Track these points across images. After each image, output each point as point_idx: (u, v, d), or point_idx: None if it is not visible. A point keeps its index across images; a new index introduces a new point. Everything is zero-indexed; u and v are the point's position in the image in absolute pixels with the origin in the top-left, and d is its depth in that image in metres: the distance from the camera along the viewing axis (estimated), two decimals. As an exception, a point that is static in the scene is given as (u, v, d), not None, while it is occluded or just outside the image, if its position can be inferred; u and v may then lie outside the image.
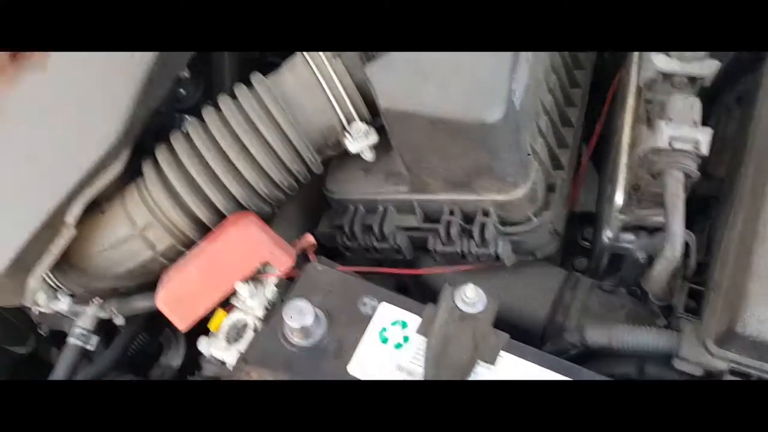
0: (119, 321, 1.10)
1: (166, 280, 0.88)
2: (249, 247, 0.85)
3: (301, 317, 0.80)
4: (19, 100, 0.90)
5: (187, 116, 1.15)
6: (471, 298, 0.79)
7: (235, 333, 0.84)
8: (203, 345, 0.84)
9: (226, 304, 0.87)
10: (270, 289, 0.84)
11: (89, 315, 1.08)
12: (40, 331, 1.25)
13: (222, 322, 0.83)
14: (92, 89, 0.89)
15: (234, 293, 0.85)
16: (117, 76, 0.88)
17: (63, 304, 1.01)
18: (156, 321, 1.26)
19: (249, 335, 0.83)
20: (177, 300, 0.85)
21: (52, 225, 0.86)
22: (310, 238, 0.89)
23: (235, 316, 0.84)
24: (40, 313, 1.22)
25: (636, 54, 0.98)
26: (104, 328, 1.15)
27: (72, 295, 1.01)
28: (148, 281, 0.99)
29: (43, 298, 0.98)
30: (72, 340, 1.10)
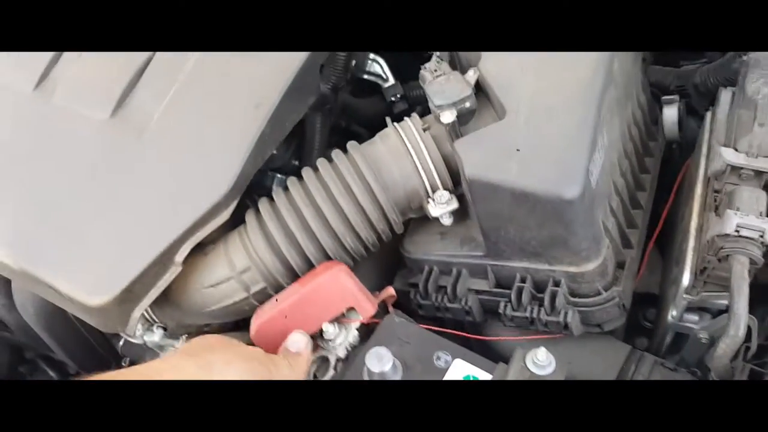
0: (201, 357, 1.18)
1: (259, 315, 0.96)
2: (337, 292, 0.92)
3: (381, 363, 0.86)
4: (146, 146, 1.02)
5: (277, 174, 1.26)
6: (542, 360, 0.84)
7: (315, 370, 0.90)
8: None
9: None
10: (353, 333, 0.91)
11: (174, 349, 1.16)
12: (122, 363, 1.34)
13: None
14: (211, 143, 1.01)
15: (319, 333, 0.92)
16: (234, 133, 1.00)
17: (156, 336, 1.10)
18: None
19: (330, 373, 0.89)
20: (271, 339, 0.92)
21: (162, 262, 0.96)
22: (391, 291, 0.97)
23: (317, 355, 0.91)
24: (126, 344, 1.32)
25: (705, 146, 1.04)
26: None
27: (164, 329, 1.10)
28: (234, 320, 1.07)
29: (140, 329, 1.07)
30: (155, 373, 1.18)
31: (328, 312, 0.92)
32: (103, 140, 1.05)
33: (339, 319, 0.93)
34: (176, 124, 1.03)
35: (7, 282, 1.21)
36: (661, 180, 1.21)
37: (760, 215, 0.85)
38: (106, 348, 1.31)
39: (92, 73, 1.11)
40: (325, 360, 0.93)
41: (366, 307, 0.92)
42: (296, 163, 1.31)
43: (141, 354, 1.30)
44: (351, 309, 0.94)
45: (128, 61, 1.09)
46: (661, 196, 1.18)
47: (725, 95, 1.02)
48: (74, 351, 1.27)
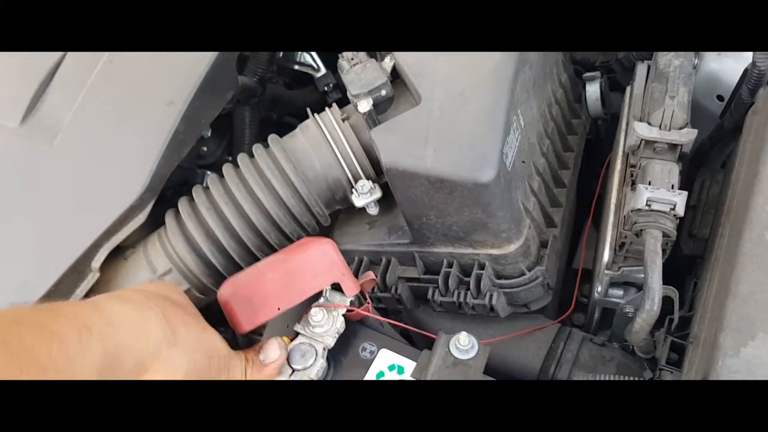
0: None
1: (234, 281, 0.89)
2: (326, 265, 0.88)
3: (304, 359, 0.86)
4: (58, 151, 0.99)
5: (208, 172, 1.24)
6: (464, 345, 0.84)
7: (302, 360, 0.86)
8: None
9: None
10: (340, 320, 0.87)
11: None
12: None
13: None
14: (123, 145, 0.98)
15: (305, 320, 0.88)
16: (146, 133, 0.97)
17: (84, 344, 1.07)
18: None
19: (320, 362, 0.85)
20: (248, 301, 0.87)
21: (78, 269, 0.93)
22: (371, 275, 0.94)
23: (300, 344, 0.87)
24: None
25: (623, 121, 1.05)
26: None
27: (93, 336, 1.08)
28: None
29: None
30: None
31: (313, 284, 0.88)
32: (14, 148, 1.02)
33: (325, 305, 0.89)
34: (87, 128, 1.01)
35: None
36: (592, 156, 1.22)
37: (672, 188, 0.86)
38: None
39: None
40: (310, 347, 0.88)
41: (350, 285, 0.88)
42: (228, 159, 1.29)
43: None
44: (333, 287, 0.89)
45: (36, 67, 1.06)
46: (593, 171, 1.19)
47: (641, 69, 1.03)
48: None
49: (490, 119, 0.88)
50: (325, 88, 1.49)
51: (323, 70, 1.49)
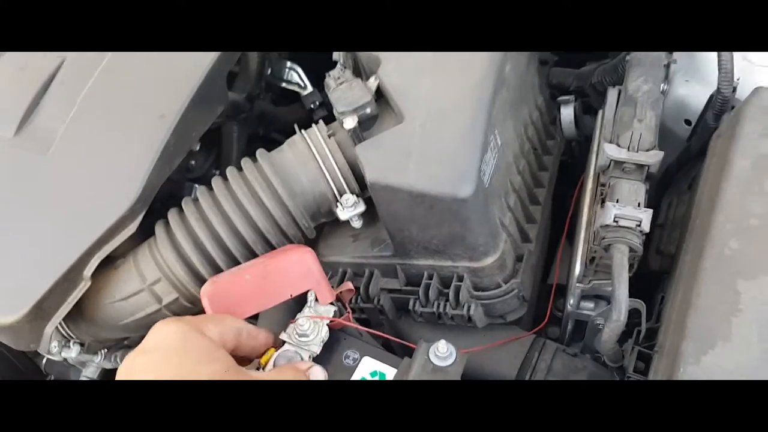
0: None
1: (215, 279, 0.93)
2: (302, 272, 0.92)
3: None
4: (51, 162, 1.02)
5: (196, 185, 1.27)
6: (443, 352, 0.88)
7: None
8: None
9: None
10: (324, 330, 0.90)
11: (95, 364, 1.16)
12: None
13: (272, 356, 0.88)
14: (115, 157, 1.02)
15: (292, 330, 0.91)
16: (138, 145, 1.01)
17: (73, 352, 1.10)
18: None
19: None
20: (223, 298, 0.90)
21: (70, 277, 0.96)
22: (350, 285, 0.98)
23: (286, 351, 0.89)
24: (48, 362, 1.31)
25: (595, 143, 1.11)
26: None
27: (81, 345, 1.11)
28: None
29: (56, 346, 1.06)
30: (76, 388, 1.18)
31: (288, 289, 0.92)
32: (7, 158, 1.05)
33: (311, 316, 0.92)
34: (80, 139, 1.04)
35: None
36: (566, 176, 1.27)
37: (638, 206, 0.91)
38: (28, 367, 1.29)
39: (-5, 90, 1.11)
40: (296, 355, 0.90)
41: (325, 293, 0.93)
42: (216, 172, 1.32)
43: (64, 371, 1.30)
44: (310, 292, 0.94)
45: (31, 79, 1.09)
46: (567, 191, 1.25)
47: (612, 94, 1.09)
48: (-5, 372, 1.25)
49: (469, 137, 0.93)
50: (311, 106, 1.53)
51: (310, 88, 1.53)
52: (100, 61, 1.09)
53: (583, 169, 1.24)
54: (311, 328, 0.91)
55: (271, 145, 1.53)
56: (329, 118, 1.48)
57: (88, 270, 0.97)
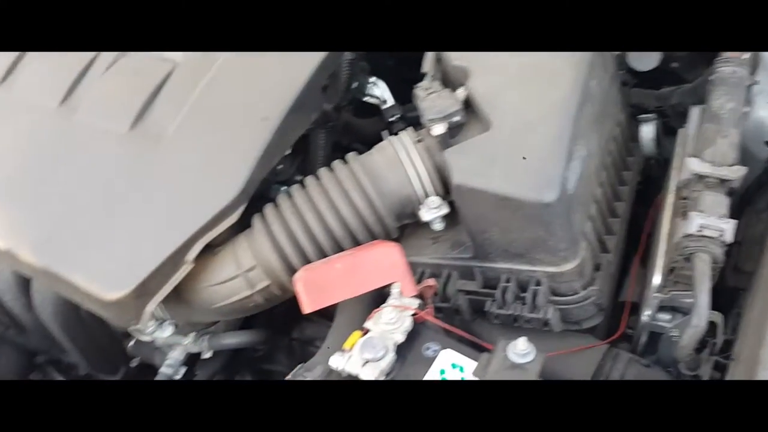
0: (208, 354, 1.26)
1: (308, 267, 1.02)
2: (389, 265, 1.00)
3: (374, 350, 0.94)
4: (163, 156, 1.11)
5: (283, 187, 1.35)
6: (522, 349, 0.92)
7: (373, 351, 0.93)
8: (336, 360, 0.93)
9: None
10: (409, 320, 0.95)
11: (183, 347, 1.24)
12: (131, 363, 1.42)
13: (357, 341, 0.93)
14: (221, 153, 1.10)
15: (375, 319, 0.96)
16: (242, 144, 1.09)
17: (166, 332, 1.17)
18: (230, 368, 1.41)
19: (390, 356, 0.92)
20: (316, 284, 0.99)
21: (175, 260, 1.04)
22: (431, 282, 1.04)
23: (371, 337, 0.94)
24: (135, 345, 1.40)
25: (676, 159, 1.13)
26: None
27: (175, 326, 1.18)
28: (239, 317, 1.15)
29: (151, 325, 1.14)
30: (163, 370, 1.26)
31: (376, 280, 0.99)
32: (123, 151, 1.15)
33: (395, 305, 0.97)
34: (190, 136, 1.13)
35: (27, 282, 1.29)
36: (642, 193, 1.29)
37: (721, 216, 0.93)
38: (116, 348, 1.38)
39: (113, 91, 1.21)
40: (381, 341, 0.94)
41: (409, 286, 0.99)
42: (299, 177, 1.40)
43: (150, 354, 1.38)
44: (393, 286, 0.99)
45: (146, 80, 1.19)
46: (643, 210, 1.27)
47: (695, 112, 1.11)
48: (86, 351, 1.34)
49: (555, 146, 0.98)
50: (391, 119, 1.60)
51: (391, 102, 1.60)
52: (208, 68, 1.18)
53: (658, 191, 1.26)
54: (396, 318, 0.96)
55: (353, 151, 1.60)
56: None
57: (191, 254, 1.04)
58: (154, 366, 1.37)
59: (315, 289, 0.98)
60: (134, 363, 1.41)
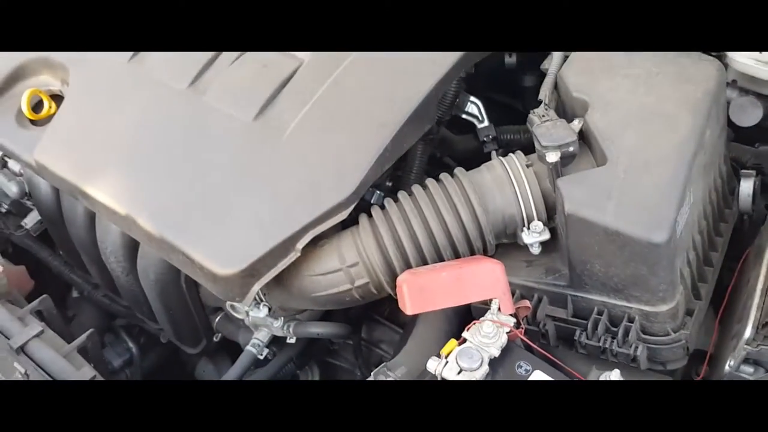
0: (292, 340, 1.31)
1: (414, 271, 1.07)
2: (491, 281, 1.04)
3: (471, 360, 0.98)
4: (284, 148, 1.17)
5: (377, 191, 1.39)
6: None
7: (469, 361, 0.97)
8: (432, 364, 0.97)
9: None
10: (504, 336, 0.99)
11: (272, 328, 1.29)
12: (214, 338, 1.48)
13: (454, 349, 0.98)
14: (338, 152, 1.16)
15: (474, 331, 1.00)
16: (359, 147, 1.14)
17: (261, 313, 1.23)
18: (303, 356, 1.46)
19: (484, 369, 0.96)
20: (420, 289, 1.03)
21: (285, 246, 1.09)
22: (527, 303, 1.08)
23: (468, 347, 0.98)
24: (221, 320, 1.46)
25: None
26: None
27: (269, 308, 1.24)
28: (332, 308, 1.20)
29: (250, 304, 1.20)
30: (250, 348, 1.32)
31: (477, 293, 1.04)
32: (245, 138, 1.21)
33: (494, 320, 1.01)
34: (310, 133, 1.18)
35: (132, 248, 1.35)
36: (730, 249, 1.31)
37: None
38: (203, 322, 1.44)
39: (241, 80, 1.27)
40: (478, 353, 0.97)
41: (507, 304, 1.03)
42: (389, 184, 1.44)
43: (234, 332, 1.44)
44: (493, 302, 1.03)
45: (273, 72, 1.25)
46: (728, 264, 1.28)
47: (802, 175, 1.13)
48: (176, 320, 1.41)
49: (670, 188, 1.01)
50: (485, 139, 1.64)
51: (486, 122, 1.64)
52: (335, 68, 1.23)
53: (747, 245, 1.28)
54: (494, 332, 1.00)
55: (444, 168, 1.65)
56: (497, 153, 1.58)
57: (301, 243, 1.10)
58: (236, 342, 1.43)
59: (419, 292, 1.03)
60: (217, 338, 1.46)
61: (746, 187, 1.29)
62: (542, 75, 1.44)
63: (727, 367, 1.10)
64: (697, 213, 1.13)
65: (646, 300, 1.05)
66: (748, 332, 1.05)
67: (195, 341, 1.46)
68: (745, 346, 1.05)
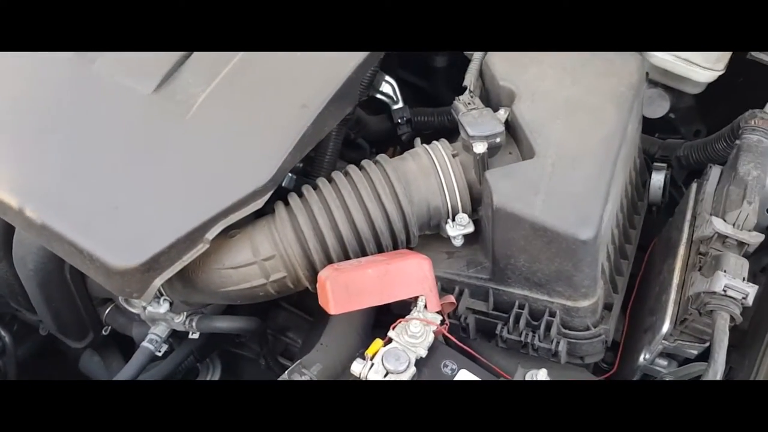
0: (194, 336, 1.21)
1: (337, 266, 0.99)
2: (418, 278, 0.98)
3: (397, 362, 0.93)
4: (190, 126, 1.05)
5: (290, 174, 1.30)
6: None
7: (396, 363, 0.92)
8: (357, 367, 0.92)
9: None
10: (431, 336, 0.95)
11: (173, 323, 1.18)
12: (103, 331, 1.34)
13: (379, 350, 0.93)
14: (254, 134, 1.06)
15: (400, 330, 0.95)
16: (279, 129, 1.05)
17: (162, 308, 1.13)
18: (204, 348, 1.36)
19: (411, 370, 0.92)
20: (345, 286, 0.96)
21: (192, 237, 0.99)
22: (451, 299, 1.03)
23: (395, 348, 0.94)
24: (110, 313, 1.33)
25: (689, 213, 1.17)
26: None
27: (170, 303, 1.13)
28: (245, 303, 1.11)
29: (149, 299, 1.09)
30: (146, 344, 1.20)
31: (403, 291, 0.98)
32: (146, 113, 1.08)
33: (421, 319, 0.97)
34: (222, 111, 1.07)
35: (5, 233, 1.19)
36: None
37: (743, 280, 0.98)
38: (91, 314, 1.30)
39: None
40: (404, 354, 0.94)
41: (434, 301, 0.98)
42: (300, 165, 1.36)
43: (126, 325, 1.31)
44: (419, 299, 0.98)
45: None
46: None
47: (715, 171, 1.16)
48: (59, 313, 1.26)
49: (597, 184, 1.00)
50: (399, 120, 1.58)
51: (400, 103, 1.58)
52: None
53: (650, 236, 1.31)
54: (421, 331, 0.95)
55: (356, 149, 1.58)
56: (410, 135, 1.54)
57: (211, 234, 0.99)
58: (127, 337, 1.31)
59: (344, 290, 0.96)
60: (106, 331, 1.33)
61: (658, 179, 1.31)
62: (454, 56, 1.39)
63: (641, 360, 1.12)
64: (616, 207, 1.13)
65: (569, 295, 1.04)
66: (666, 327, 1.07)
67: (80, 335, 1.32)
68: (663, 341, 1.07)
